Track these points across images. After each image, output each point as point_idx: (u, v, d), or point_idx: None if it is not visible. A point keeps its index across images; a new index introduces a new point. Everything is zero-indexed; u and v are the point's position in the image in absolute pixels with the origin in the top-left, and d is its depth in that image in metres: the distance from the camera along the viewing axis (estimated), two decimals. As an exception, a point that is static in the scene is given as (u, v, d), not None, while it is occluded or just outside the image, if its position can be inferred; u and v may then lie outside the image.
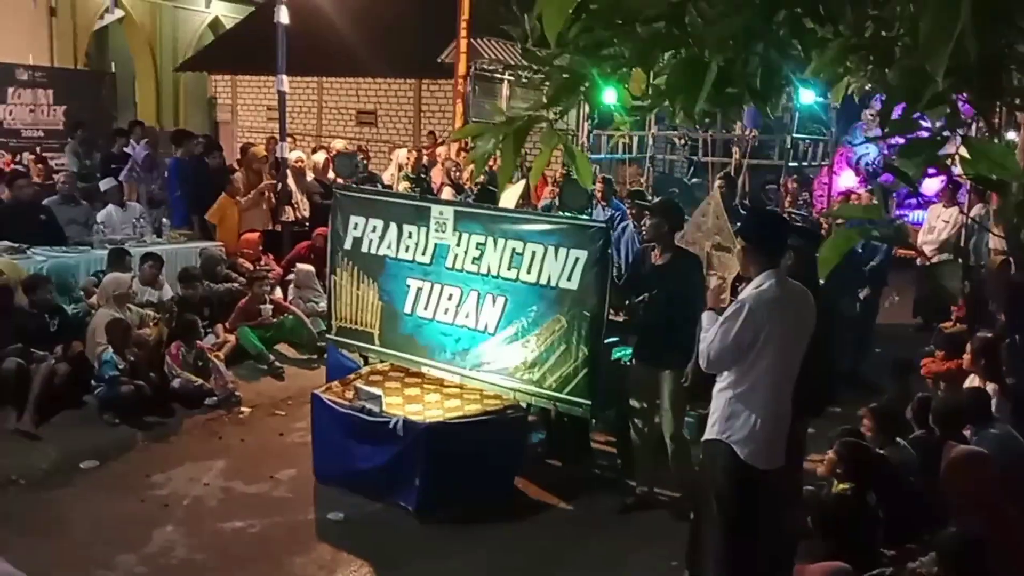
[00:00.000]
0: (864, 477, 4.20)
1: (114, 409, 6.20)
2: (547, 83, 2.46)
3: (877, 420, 4.72)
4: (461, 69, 13.19)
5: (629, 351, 5.55)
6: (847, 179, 14.50)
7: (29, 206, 8.14)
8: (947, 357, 6.19)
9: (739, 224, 4.25)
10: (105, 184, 8.96)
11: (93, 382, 6.33)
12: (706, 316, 3.84)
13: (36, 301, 6.55)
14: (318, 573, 4.55)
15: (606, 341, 5.34)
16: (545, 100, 2.17)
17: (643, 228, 7.02)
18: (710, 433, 3.80)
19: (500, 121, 2.20)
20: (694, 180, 11.84)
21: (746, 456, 3.66)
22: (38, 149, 13.98)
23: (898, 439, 4.75)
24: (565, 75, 1.83)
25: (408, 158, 11.04)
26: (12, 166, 12.66)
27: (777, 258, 3.73)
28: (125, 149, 11.30)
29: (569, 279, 5.17)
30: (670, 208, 5.28)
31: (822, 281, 3.82)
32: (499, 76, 14.64)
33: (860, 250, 7.30)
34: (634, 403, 5.23)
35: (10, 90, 14.64)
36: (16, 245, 7.54)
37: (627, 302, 5.32)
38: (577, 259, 5.14)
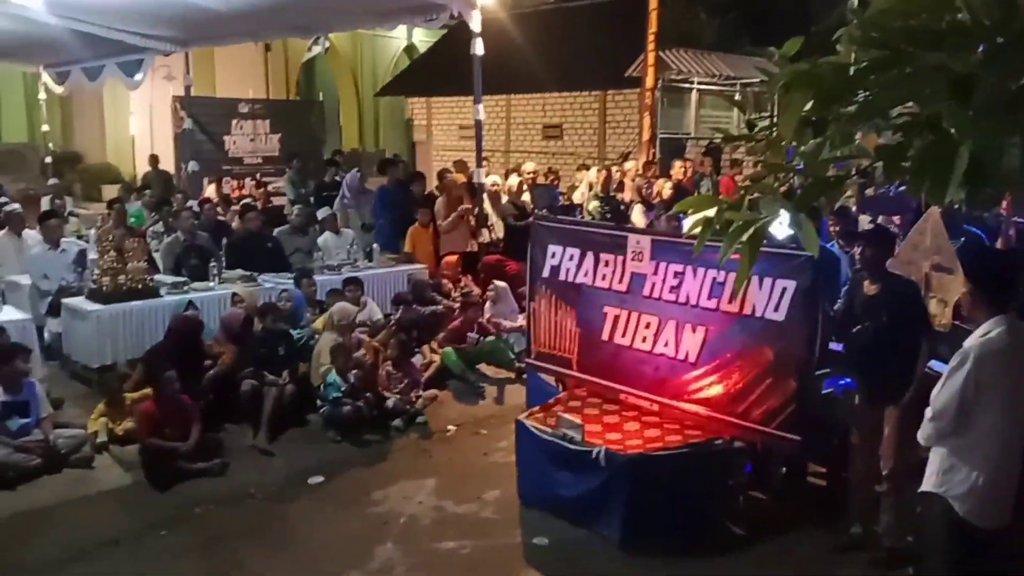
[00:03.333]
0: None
1: (337, 427, 6.71)
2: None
3: None
4: (649, 82, 13.11)
5: (842, 383, 5.32)
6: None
7: (258, 236, 8.98)
8: None
9: (966, 263, 3.97)
10: (322, 213, 9.71)
11: (318, 401, 6.88)
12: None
13: (267, 327, 7.20)
14: (530, 599, 4.70)
15: (817, 373, 5.15)
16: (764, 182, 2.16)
17: (845, 247, 6.73)
18: (927, 485, 3.59)
19: (717, 199, 2.22)
20: (901, 188, 11.10)
21: (965, 513, 3.44)
22: (258, 175, 15.33)
23: None
24: (810, 180, 1.82)
25: (598, 177, 11.12)
26: (238, 192, 13.98)
27: (1008, 303, 3.43)
28: (336, 178, 12.16)
29: (776, 310, 5.02)
30: (885, 238, 5.02)
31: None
32: (687, 86, 14.44)
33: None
34: (853, 440, 4.98)
35: (233, 122, 16.17)
36: (248, 273, 8.32)
37: (844, 335, 5.08)
38: (784, 289, 4.98)
